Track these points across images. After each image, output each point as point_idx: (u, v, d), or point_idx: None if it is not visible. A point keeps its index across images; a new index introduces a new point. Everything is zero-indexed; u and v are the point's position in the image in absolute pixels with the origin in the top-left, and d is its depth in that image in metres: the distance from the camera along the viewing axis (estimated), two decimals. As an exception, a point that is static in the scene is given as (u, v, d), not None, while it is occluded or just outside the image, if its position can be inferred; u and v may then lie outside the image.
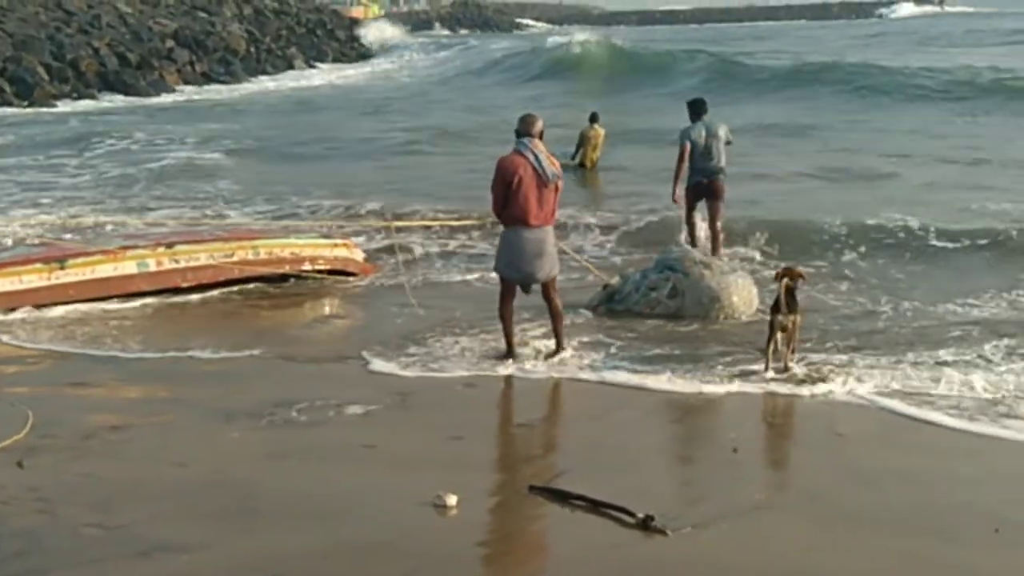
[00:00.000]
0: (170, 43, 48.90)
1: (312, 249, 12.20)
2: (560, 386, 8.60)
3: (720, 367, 8.73)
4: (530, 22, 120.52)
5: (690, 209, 12.79)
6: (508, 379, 8.67)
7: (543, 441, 7.60)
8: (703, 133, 12.50)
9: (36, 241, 12.60)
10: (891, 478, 6.62)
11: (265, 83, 44.95)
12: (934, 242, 13.00)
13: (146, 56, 46.01)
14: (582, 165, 19.26)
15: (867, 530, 5.89)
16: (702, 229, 12.82)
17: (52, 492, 6.32)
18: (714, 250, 12.24)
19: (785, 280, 8.64)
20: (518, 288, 9.13)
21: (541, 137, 8.94)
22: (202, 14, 57.52)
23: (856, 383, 8.20)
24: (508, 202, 8.80)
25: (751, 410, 7.94)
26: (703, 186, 12.54)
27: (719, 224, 12.51)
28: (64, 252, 11.37)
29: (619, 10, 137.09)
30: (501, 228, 9.14)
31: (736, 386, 8.30)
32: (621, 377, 8.58)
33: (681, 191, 12.62)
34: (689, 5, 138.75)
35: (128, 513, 6.06)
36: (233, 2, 61.39)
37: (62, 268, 10.99)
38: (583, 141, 19.28)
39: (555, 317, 9.19)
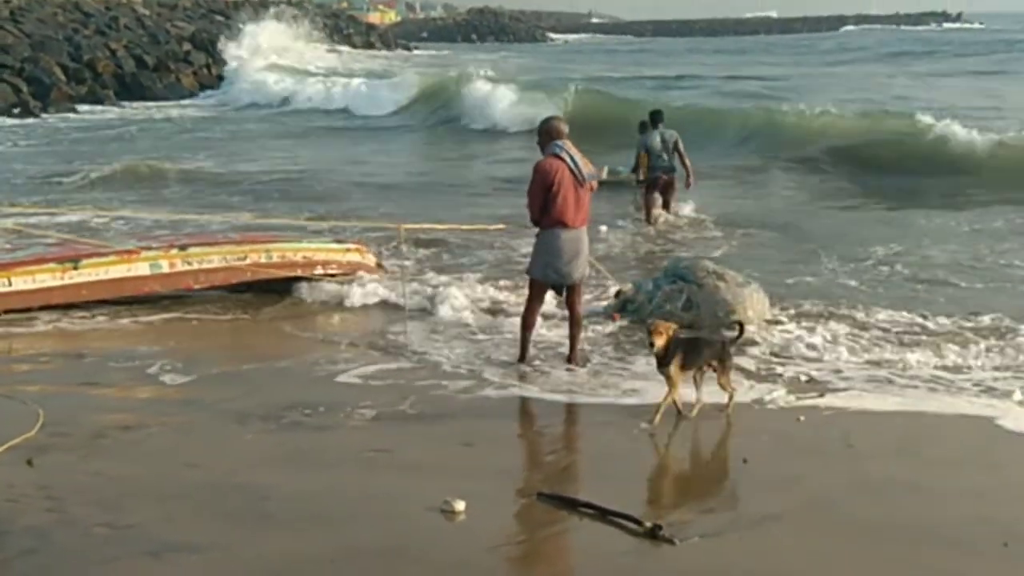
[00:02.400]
0: (187, 46, 49.14)
1: (325, 253, 12.22)
2: (570, 394, 8.60)
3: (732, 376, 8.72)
4: (552, 35, 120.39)
5: (649, 197, 15.97)
6: (519, 386, 8.67)
7: (552, 448, 7.60)
8: (658, 140, 15.78)
9: (53, 241, 12.66)
10: (901, 489, 6.61)
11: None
12: None
13: (163, 58, 46.21)
14: (640, 182, 16.32)
15: (876, 541, 5.87)
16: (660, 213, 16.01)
17: (62, 491, 6.34)
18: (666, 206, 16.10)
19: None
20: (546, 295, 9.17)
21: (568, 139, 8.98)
22: (219, 17, 57.81)
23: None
24: (547, 205, 8.80)
25: (762, 420, 7.93)
26: (661, 181, 15.86)
27: (672, 207, 16.14)
28: (78, 252, 11.41)
29: (635, 20, 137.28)
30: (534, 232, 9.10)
31: (747, 396, 8.29)
32: (629, 386, 8.58)
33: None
34: (703, 15, 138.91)
35: (138, 513, 6.08)
36: (250, 6, 61.66)
37: (76, 268, 11.04)
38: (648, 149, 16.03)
39: (574, 324, 9.18)
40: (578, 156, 8.87)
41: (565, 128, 9.00)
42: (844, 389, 8.50)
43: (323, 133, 31.94)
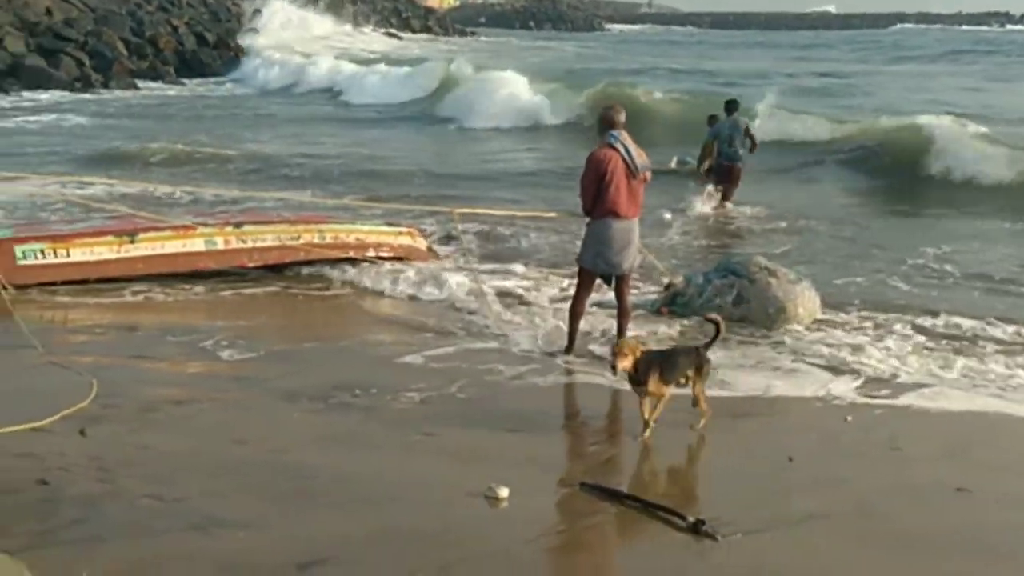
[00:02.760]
0: (248, 24, 49.53)
1: (377, 236, 12.29)
2: (618, 385, 8.59)
3: (780, 374, 8.69)
4: (609, 25, 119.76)
5: (716, 184, 16.47)
6: (567, 375, 8.68)
7: (598, 439, 7.59)
8: (727, 128, 16.22)
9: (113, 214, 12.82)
10: (947, 493, 6.55)
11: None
12: None
13: (223, 36, 46.58)
14: (707, 171, 16.55)
15: (921, 547, 5.83)
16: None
17: (112, 462, 6.44)
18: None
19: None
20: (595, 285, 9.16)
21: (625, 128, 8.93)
22: (276, 0, 58.13)
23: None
24: (600, 195, 8.78)
25: (808, 419, 7.89)
26: (724, 168, 16.31)
27: (731, 197, 16.50)
28: (136, 226, 11.55)
29: (693, 11, 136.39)
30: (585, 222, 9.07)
31: (795, 393, 8.25)
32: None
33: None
34: (762, 8, 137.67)
35: (186, 487, 6.16)
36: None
37: (132, 242, 11.18)
38: (716, 137, 16.39)
39: (623, 314, 9.18)
40: (633, 146, 8.83)
41: (621, 117, 8.94)
42: (893, 390, 8.43)
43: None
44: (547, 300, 10.89)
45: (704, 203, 16.34)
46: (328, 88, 39.27)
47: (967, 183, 19.42)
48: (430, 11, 77.72)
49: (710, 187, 16.56)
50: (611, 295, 9.35)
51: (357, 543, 5.57)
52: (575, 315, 9.18)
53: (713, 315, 7.90)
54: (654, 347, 8.02)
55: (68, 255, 10.93)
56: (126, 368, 8.34)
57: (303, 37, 53.32)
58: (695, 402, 7.50)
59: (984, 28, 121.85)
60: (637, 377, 7.39)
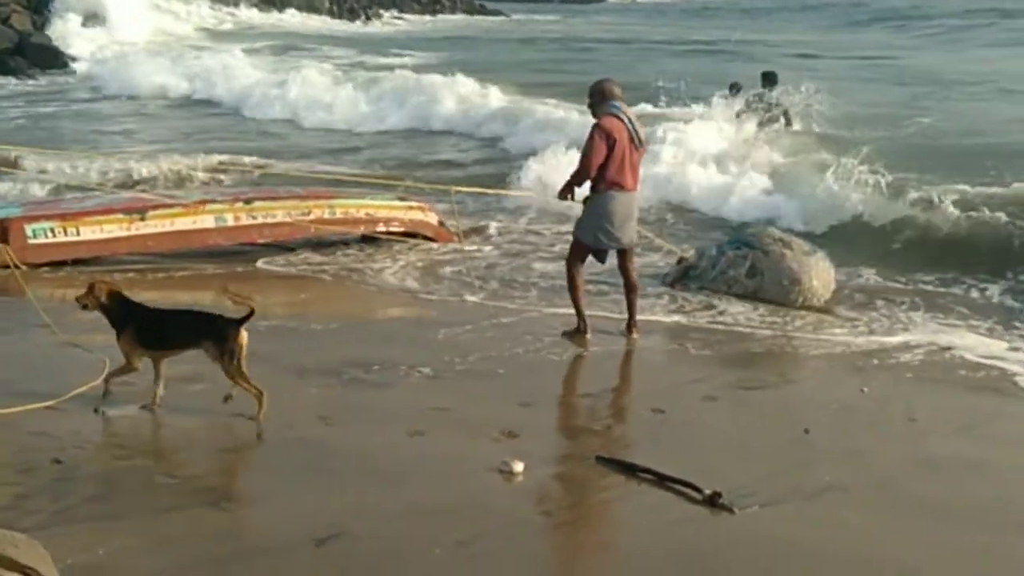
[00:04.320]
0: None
1: (387, 211, 12.25)
2: (631, 358, 8.57)
3: (794, 346, 8.66)
4: None
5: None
6: (580, 348, 8.64)
7: (612, 412, 7.58)
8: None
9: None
10: (965, 466, 6.52)
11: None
12: None
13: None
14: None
15: (938, 519, 5.81)
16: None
17: (126, 440, 6.44)
18: None
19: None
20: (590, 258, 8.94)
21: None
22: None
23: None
24: (605, 166, 8.51)
25: (825, 390, 7.87)
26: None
27: None
28: (145, 204, 11.52)
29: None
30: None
31: (809, 367, 8.22)
32: (692, 351, 8.54)
33: None
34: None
35: (200, 464, 6.17)
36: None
37: (142, 219, 11.15)
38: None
39: (631, 289, 8.98)
40: (634, 118, 8.69)
41: (618, 89, 8.73)
42: (908, 360, 8.39)
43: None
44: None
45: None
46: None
47: None
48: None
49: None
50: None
51: (373, 518, 5.55)
52: (575, 287, 8.83)
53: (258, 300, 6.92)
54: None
55: (78, 233, 10.91)
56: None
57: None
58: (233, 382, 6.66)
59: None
60: (115, 326, 6.71)
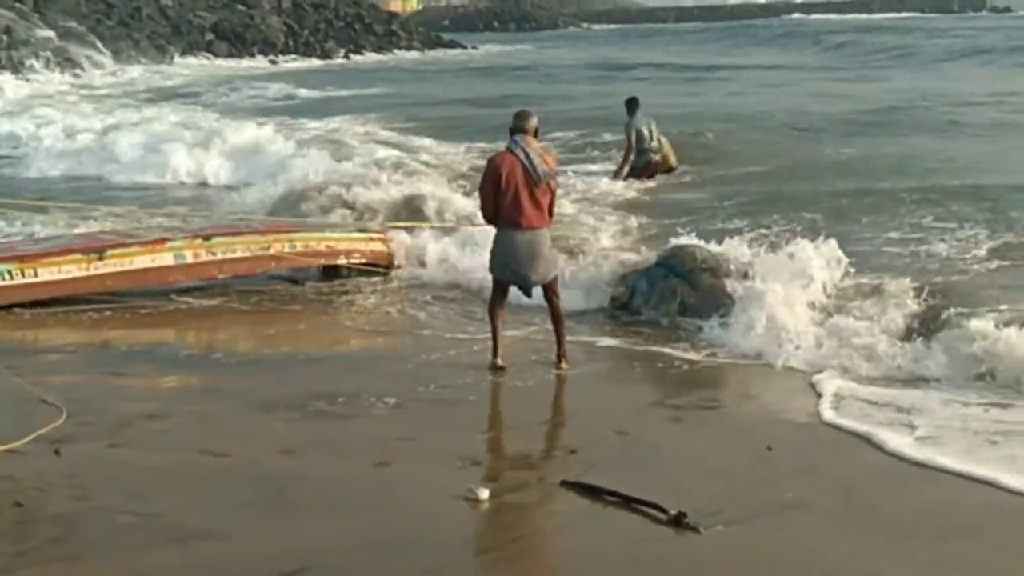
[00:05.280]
0: (209, 36, 49.41)
1: (348, 242, 12.24)
2: (592, 383, 8.60)
3: (748, 366, 8.72)
4: (577, 24, 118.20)
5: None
6: (541, 374, 8.65)
7: (575, 436, 7.59)
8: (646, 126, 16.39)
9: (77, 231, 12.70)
10: (926, 480, 6.57)
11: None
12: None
13: (186, 49, 46.47)
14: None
15: (901, 532, 5.85)
16: None
17: (88, 479, 6.39)
18: None
19: None
20: (517, 291, 8.85)
21: (536, 135, 8.57)
22: (241, 7, 57.95)
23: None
24: (498, 203, 8.41)
25: (785, 407, 7.91)
26: (653, 163, 16.52)
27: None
28: (103, 243, 11.44)
29: (658, 6, 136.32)
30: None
31: (768, 385, 8.27)
32: (650, 373, 8.58)
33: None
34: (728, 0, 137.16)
35: (164, 501, 6.12)
36: (271, -6, 61.59)
37: (100, 259, 11.06)
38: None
39: (556, 320, 8.81)
40: (536, 152, 8.39)
41: (531, 123, 8.51)
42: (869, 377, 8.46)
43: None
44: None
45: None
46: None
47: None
48: (393, 16, 77.03)
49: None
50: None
51: (339, 551, 5.54)
52: (493, 316, 8.79)
53: None
54: None
55: (36, 275, 10.81)
56: (98, 385, 8.26)
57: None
58: None
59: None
60: None
